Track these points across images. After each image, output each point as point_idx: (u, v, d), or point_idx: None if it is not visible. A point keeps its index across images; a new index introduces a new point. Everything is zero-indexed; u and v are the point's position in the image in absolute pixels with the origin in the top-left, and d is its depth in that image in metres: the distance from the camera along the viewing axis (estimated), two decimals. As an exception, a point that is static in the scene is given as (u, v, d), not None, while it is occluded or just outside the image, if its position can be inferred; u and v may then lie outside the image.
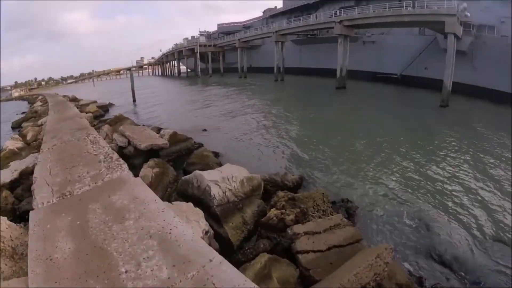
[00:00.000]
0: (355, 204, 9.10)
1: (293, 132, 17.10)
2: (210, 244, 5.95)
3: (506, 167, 11.52)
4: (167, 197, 8.65)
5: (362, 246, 6.51)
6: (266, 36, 52.94)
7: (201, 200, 7.31)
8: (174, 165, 11.15)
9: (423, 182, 10.57)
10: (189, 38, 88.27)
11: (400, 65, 36.40)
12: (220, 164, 10.92)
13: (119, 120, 17.21)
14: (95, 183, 6.05)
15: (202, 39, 78.63)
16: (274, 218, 6.72)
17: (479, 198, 9.59)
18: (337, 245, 6.25)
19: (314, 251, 6.02)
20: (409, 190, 10.05)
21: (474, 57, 27.76)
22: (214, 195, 7.01)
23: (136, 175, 8.90)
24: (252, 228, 7.33)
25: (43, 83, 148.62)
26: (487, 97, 25.74)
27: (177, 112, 25.17)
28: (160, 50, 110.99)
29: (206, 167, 10.40)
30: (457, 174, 11.13)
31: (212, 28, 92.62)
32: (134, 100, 33.93)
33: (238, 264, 6.25)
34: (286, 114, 22.38)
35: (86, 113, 21.64)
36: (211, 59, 74.93)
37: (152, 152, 11.02)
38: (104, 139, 12.17)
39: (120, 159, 7.66)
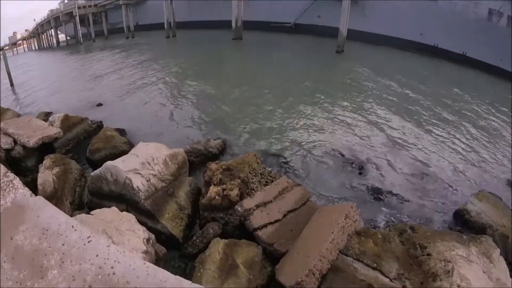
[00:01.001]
0: (286, 158, 8.73)
1: (196, 91, 15.69)
2: (156, 252, 4.90)
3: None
4: (78, 200, 7.06)
5: (312, 203, 6.22)
6: (152, -11, 47.57)
7: (122, 196, 6.00)
8: (74, 156, 9.25)
9: (335, 124, 10.80)
10: (66, 1, 75.14)
11: (294, 14, 36.66)
12: (129, 144, 9.42)
13: None
14: None
15: (81, 1, 67.74)
16: (217, 197, 5.83)
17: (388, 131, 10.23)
18: (291, 209, 5.84)
19: (271, 223, 5.52)
20: (323, 134, 10.14)
21: (365, 7, 29.07)
22: (137, 187, 5.74)
23: (34, 186, 7.09)
24: (191, 212, 6.38)
25: None
26: (374, 41, 27.75)
27: (63, 89, 21.23)
28: (34, 19, 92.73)
29: (114, 150, 8.85)
30: (360, 112, 11.70)
31: None
32: (12, 84, 27.91)
33: (191, 257, 5.51)
34: (185, 72, 20.60)
35: None
36: (92, 22, 65.53)
37: (45, 147, 8.99)
38: None
39: (9, 173, 5.67)
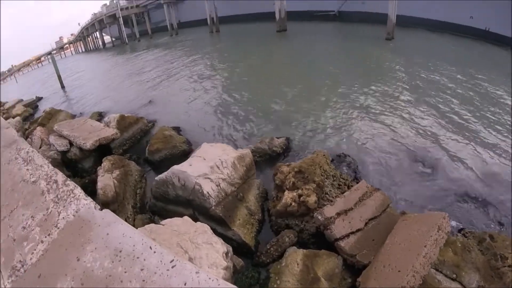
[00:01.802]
0: (354, 158, 8.01)
1: (246, 86, 15.12)
2: (234, 265, 4.50)
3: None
4: (140, 203, 6.87)
5: (392, 210, 5.64)
6: (192, -15, 48.01)
7: (190, 201, 5.69)
8: (132, 156, 9.16)
9: (397, 120, 9.81)
10: (108, 4, 78.53)
11: (337, 1, 35.24)
12: (188, 143, 9.22)
13: (52, 115, 14.21)
14: (49, 235, 3.96)
15: (123, 2, 70.24)
16: (293, 203, 5.32)
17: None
18: (372, 217, 5.29)
19: (353, 232, 5.01)
20: (386, 131, 9.22)
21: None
22: (208, 193, 5.38)
23: (93, 188, 6.95)
24: (261, 217, 5.98)
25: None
26: (425, 27, 25.82)
27: (113, 89, 21.70)
28: (79, 24, 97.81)
29: (174, 150, 8.66)
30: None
31: None
32: (62, 86, 29.39)
33: (264, 266, 5.16)
34: (232, 67, 20.11)
35: (13, 117, 17.84)
36: (136, 22, 67.81)
37: (102, 148, 8.92)
38: (40, 148, 9.70)
39: (69, 181, 5.46)
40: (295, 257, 4.82)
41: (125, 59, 39.36)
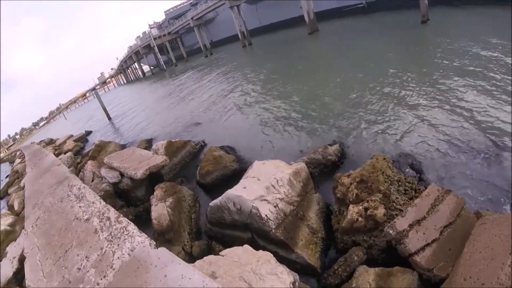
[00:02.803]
0: (416, 158, 7.36)
1: (288, 95, 14.78)
2: None
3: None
4: (195, 227, 6.84)
5: (467, 213, 4.96)
6: (219, 5, 49.41)
7: (247, 225, 5.47)
8: (183, 180, 9.25)
9: (450, 110, 8.93)
10: (141, 36, 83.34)
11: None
12: (238, 161, 9.08)
13: (102, 147, 14.88)
14: (104, 276, 3.96)
15: (155, 32, 74.12)
16: (359, 218, 4.90)
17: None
18: (447, 224, 4.70)
19: (428, 244, 4.46)
20: (439, 123, 8.43)
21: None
22: (266, 216, 5.12)
23: (147, 216, 7.02)
24: (325, 235, 5.60)
25: (17, 136, 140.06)
26: (459, 2, 24.28)
27: (158, 114, 22.49)
28: (117, 58, 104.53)
29: (225, 170, 8.54)
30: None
31: (160, 17, 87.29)
32: (109, 118, 31.28)
33: (331, 287, 4.73)
34: (271, 77, 19.98)
35: (65, 153, 19.00)
36: (170, 48, 71.11)
37: (153, 175, 9.05)
38: (92, 181, 10.11)
39: (122, 218, 5.55)
40: (367, 277, 4.40)
41: (165, 84, 40.99)
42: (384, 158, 6.22)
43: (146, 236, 4.83)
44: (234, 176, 8.04)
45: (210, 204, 6.22)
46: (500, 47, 12.74)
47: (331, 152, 7.64)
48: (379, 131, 8.74)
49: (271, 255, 4.36)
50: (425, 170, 6.88)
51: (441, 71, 11.79)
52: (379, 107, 10.08)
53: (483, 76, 10.42)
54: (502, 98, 8.82)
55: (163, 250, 3.94)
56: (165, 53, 73.37)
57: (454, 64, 12.22)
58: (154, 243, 4.62)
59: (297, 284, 4.12)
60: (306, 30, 32.94)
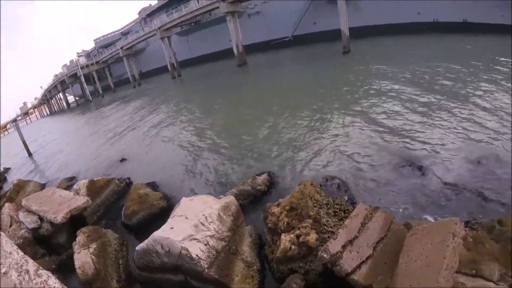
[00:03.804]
0: (342, 179, 7.64)
1: (216, 127, 14.74)
2: None
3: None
4: (125, 274, 6.19)
5: (397, 226, 5.19)
6: (149, 36, 48.82)
7: (178, 267, 5.01)
8: (108, 222, 8.48)
9: (374, 129, 9.69)
10: (68, 64, 78.02)
11: (290, 28, 36.69)
12: (165, 199, 8.62)
13: (20, 187, 13.12)
14: None
15: (82, 60, 70.04)
16: (293, 247, 4.78)
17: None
18: (379, 240, 4.84)
19: (364, 262, 4.54)
20: (364, 143, 9.06)
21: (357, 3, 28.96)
22: (197, 256, 4.78)
23: (71, 265, 6.32)
24: (260, 266, 5.38)
25: None
26: (375, 33, 27.51)
27: (81, 149, 20.81)
28: (41, 87, 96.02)
29: (152, 209, 8.01)
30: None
31: (90, 45, 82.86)
32: (29, 154, 28.02)
33: None
34: (199, 109, 19.89)
35: None
36: (97, 78, 67.67)
37: (75, 218, 8.15)
38: (10, 226, 8.90)
39: (41, 271, 4.74)
40: (309, 306, 4.30)
41: (90, 117, 38.59)
42: (312, 184, 6.31)
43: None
44: (162, 215, 7.56)
45: (136, 248, 5.69)
46: (410, 72, 14.38)
47: (260, 182, 7.58)
48: (305, 157, 8.96)
49: None
50: (352, 190, 7.13)
51: (358, 95, 12.80)
52: (304, 134, 10.44)
53: (397, 97, 11.52)
54: (412, 117, 9.76)
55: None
56: (92, 83, 69.63)
57: (372, 87, 13.38)
58: None
59: None
60: (235, 62, 33.90)
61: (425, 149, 8.03)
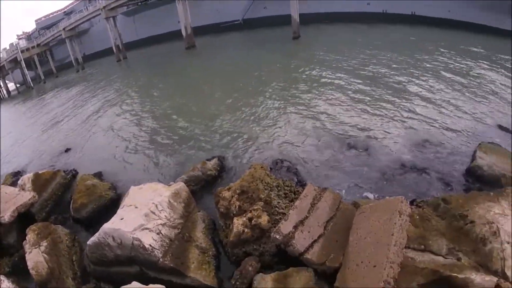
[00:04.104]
0: (291, 162, 7.91)
1: (163, 111, 14.33)
2: None
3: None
4: (80, 271, 6.03)
5: (345, 205, 5.54)
6: (93, 15, 45.39)
7: (132, 258, 4.95)
8: (58, 218, 8.10)
9: (319, 113, 10.13)
10: (8, 48, 70.22)
11: (240, 11, 36.13)
12: (114, 188, 8.37)
13: None
14: None
15: (23, 43, 63.58)
16: (245, 230, 4.92)
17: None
18: (328, 219, 5.14)
19: (315, 241, 4.82)
20: (313, 125, 9.45)
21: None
22: (150, 246, 4.74)
23: (24, 266, 6.04)
24: (215, 251, 5.49)
25: None
26: (326, 20, 27.92)
27: (25, 142, 19.29)
28: None
29: (101, 200, 7.75)
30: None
31: (31, 27, 74.75)
32: None
33: None
34: (146, 94, 19.06)
35: None
36: (39, 63, 62.13)
37: (23, 216, 7.71)
38: None
39: None
40: (265, 284, 4.49)
41: (31, 105, 35.71)
42: (262, 167, 6.46)
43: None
44: (112, 206, 7.32)
45: (88, 242, 5.52)
46: (354, 60, 14.95)
47: (210, 167, 7.59)
48: (254, 142, 9.10)
49: (163, 287, 4.00)
50: (301, 172, 7.40)
51: (305, 81, 13.14)
52: (252, 119, 10.54)
53: (341, 85, 12.00)
54: (355, 104, 10.26)
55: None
56: (33, 68, 63.89)
57: (318, 74, 13.77)
58: None
59: None
60: (184, 44, 32.82)
61: (369, 134, 8.51)
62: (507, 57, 13.02)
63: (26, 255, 6.07)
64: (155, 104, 16.08)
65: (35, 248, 6.08)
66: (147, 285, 4.13)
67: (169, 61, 28.98)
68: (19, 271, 6.59)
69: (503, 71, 11.63)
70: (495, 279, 3.91)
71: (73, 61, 52.72)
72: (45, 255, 5.92)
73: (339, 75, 13.22)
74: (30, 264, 5.76)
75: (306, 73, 14.45)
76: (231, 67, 19.85)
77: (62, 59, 67.00)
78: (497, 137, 8.12)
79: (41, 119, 24.34)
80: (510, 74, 11.12)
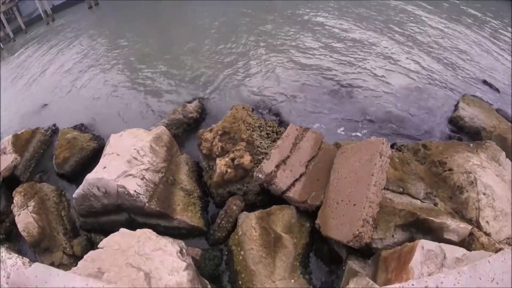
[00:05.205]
0: (273, 103, 7.82)
1: (138, 56, 13.74)
2: (193, 258, 4.19)
3: None
4: (70, 225, 6.13)
5: (327, 145, 5.59)
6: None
7: (119, 206, 5.03)
8: (43, 176, 7.98)
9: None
10: None
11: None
12: (97, 138, 8.15)
13: None
14: None
15: None
16: (228, 170, 4.97)
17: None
18: (310, 158, 5.21)
19: (297, 179, 4.91)
20: (293, 63, 9.29)
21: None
22: (135, 191, 4.78)
23: (17, 230, 6.05)
24: (201, 193, 5.61)
25: None
26: None
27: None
28: None
29: (83, 153, 7.60)
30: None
31: None
32: None
33: (222, 242, 5.00)
34: (119, 39, 17.97)
35: None
36: (6, 21, 57.57)
37: (8, 180, 7.64)
38: None
39: None
40: (250, 223, 4.63)
41: (3, 67, 33.86)
42: (244, 107, 6.40)
43: (17, 255, 4.28)
44: (94, 157, 7.12)
45: (73, 195, 5.50)
46: None
47: (191, 110, 7.43)
48: (235, 82, 8.90)
49: (150, 230, 4.13)
50: (283, 113, 7.37)
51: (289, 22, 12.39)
52: (232, 60, 10.16)
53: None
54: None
55: (37, 266, 3.50)
56: (0, 27, 59.40)
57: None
58: (28, 260, 4.14)
59: (184, 250, 4.03)
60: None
61: (355, 77, 8.37)
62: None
63: (16, 218, 6.05)
64: (129, 51, 15.31)
65: (23, 209, 6.06)
66: (135, 230, 4.24)
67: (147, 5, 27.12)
68: (12, 236, 6.63)
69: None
70: (469, 227, 4.07)
71: (42, 14, 49.34)
72: (34, 215, 5.92)
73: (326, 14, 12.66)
74: (20, 226, 5.76)
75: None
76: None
77: (30, 13, 62.42)
78: (481, 91, 8.23)
79: (12, 78, 23.24)
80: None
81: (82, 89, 12.86)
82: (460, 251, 3.42)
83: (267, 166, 4.80)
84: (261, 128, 5.96)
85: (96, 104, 10.69)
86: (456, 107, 7.54)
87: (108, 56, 16.14)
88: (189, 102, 7.96)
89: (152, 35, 17.05)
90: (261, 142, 5.60)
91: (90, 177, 5.07)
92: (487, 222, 4.24)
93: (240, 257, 4.37)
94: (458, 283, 2.08)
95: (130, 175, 4.88)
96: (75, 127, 8.97)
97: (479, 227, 4.22)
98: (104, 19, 30.50)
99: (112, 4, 36.19)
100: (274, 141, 5.66)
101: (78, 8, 43.75)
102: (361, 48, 9.74)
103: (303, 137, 5.38)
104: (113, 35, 20.71)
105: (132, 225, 4.87)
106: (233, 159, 5.04)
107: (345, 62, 9.08)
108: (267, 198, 5.22)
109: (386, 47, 9.71)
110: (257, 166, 4.99)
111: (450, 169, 4.88)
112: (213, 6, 19.99)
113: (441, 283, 2.05)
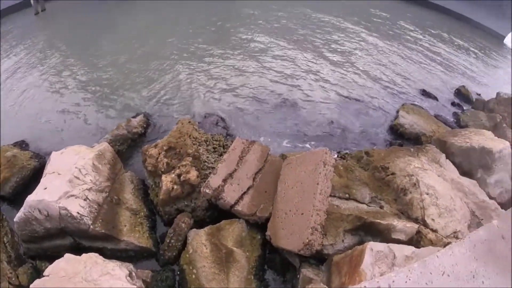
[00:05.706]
0: (221, 116, 7.96)
1: (81, 70, 12.26)
2: (144, 281, 4.12)
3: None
4: (14, 252, 5.62)
5: (273, 157, 5.85)
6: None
7: (63, 229, 4.76)
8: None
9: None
10: None
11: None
12: (38, 156, 7.54)
13: None
14: None
15: None
16: (175, 186, 4.98)
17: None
18: (257, 171, 5.41)
19: (245, 192, 5.07)
20: (242, 84, 9.50)
21: None
22: (78, 213, 4.55)
23: None
24: (147, 212, 5.52)
25: None
26: None
27: None
28: None
29: (24, 172, 6.94)
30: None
31: None
32: None
33: (173, 262, 4.93)
34: (67, 47, 17.12)
35: None
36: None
37: None
38: None
39: None
40: (199, 239, 4.65)
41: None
42: (190, 122, 6.41)
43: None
44: (35, 176, 6.55)
45: (15, 220, 5.07)
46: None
47: (136, 125, 7.23)
48: (181, 97, 8.84)
49: (96, 254, 3.99)
50: (230, 127, 7.52)
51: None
52: (175, 73, 10.08)
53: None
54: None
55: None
56: None
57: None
58: None
59: (133, 273, 3.97)
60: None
61: (297, 92, 8.87)
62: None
63: (-47, 249, 5.51)
64: (73, 62, 14.44)
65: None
66: (80, 255, 4.11)
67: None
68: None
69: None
70: (416, 225, 4.41)
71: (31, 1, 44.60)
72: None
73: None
74: None
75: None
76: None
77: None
78: (420, 100, 9.06)
79: None
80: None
81: (22, 102, 11.97)
82: (409, 249, 3.69)
83: (214, 180, 4.88)
84: (208, 143, 6.02)
85: (36, 118, 9.96)
86: (397, 115, 8.13)
87: (47, 68, 15.03)
88: (134, 116, 7.72)
89: (92, 44, 15.98)
90: (208, 157, 5.66)
91: (30, 199, 4.73)
92: (433, 219, 4.62)
93: (193, 276, 4.36)
94: (410, 279, 2.15)
95: (72, 195, 4.65)
96: (15, 144, 8.36)
97: (425, 225, 4.57)
98: (47, 26, 28.33)
99: (61, 9, 33.56)
100: (221, 155, 5.75)
101: (26, 13, 40.25)
102: (300, 66, 10.26)
103: (250, 150, 5.55)
104: (54, 45, 19.04)
105: (78, 249, 4.64)
106: (179, 175, 5.04)
107: (286, 78, 9.49)
108: (216, 213, 5.28)
109: (323, 63, 10.35)
110: (204, 181, 5.02)
111: (392, 173, 5.23)
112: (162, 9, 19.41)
113: (393, 281, 2.11)
